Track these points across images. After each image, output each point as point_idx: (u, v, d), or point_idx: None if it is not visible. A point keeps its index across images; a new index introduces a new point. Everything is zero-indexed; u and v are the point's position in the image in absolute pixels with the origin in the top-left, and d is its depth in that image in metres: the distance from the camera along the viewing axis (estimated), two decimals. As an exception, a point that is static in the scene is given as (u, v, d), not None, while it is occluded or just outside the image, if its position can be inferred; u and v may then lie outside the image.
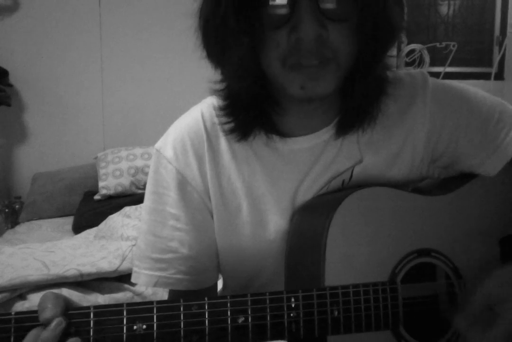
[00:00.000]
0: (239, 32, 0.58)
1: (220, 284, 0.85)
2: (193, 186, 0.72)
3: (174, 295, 0.77)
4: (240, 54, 0.60)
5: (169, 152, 0.72)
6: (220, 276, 0.82)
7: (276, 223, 0.72)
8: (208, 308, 0.55)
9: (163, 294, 1.59)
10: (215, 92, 0.69)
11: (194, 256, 0.72)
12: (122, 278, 1.58)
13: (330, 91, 0.61)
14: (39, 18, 2.77)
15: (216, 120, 0.72)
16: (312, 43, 0.57)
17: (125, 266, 1.55)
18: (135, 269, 0.74)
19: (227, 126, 0.69)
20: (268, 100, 0.67)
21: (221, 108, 0.69)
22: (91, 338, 0.52)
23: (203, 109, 0.74)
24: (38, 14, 2.76)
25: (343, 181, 0.71)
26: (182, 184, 0.72)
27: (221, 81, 0.68)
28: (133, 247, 1.65)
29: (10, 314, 0.51)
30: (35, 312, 0.52)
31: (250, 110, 0.67)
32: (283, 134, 0.70)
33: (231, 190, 0.72)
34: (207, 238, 0.73)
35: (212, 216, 0.73)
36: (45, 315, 0.51)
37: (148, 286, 0.73)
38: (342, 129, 0.69)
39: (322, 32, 0.57)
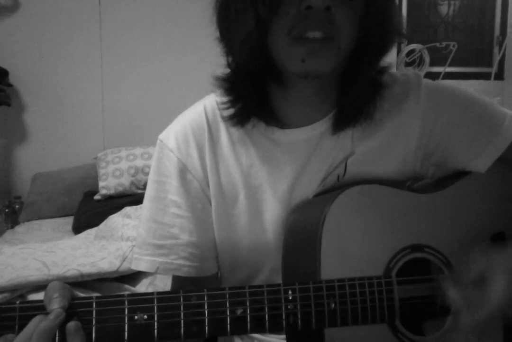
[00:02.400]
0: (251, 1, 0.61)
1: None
2: (193, 174, 0.74)
3: (177, 281, 0.79)
4: (249, 23, 0.62)
5: (171, 142, 0.75)
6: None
7: (272, 213, 0.73)
8: (207, 299, 0.57)
9: (163, 294, 1.59)
10: (218, 79, 0.72)
11: (194, 243, 0.74)
12: (122, 279, 1.58)
13: (328, 70, 0.63)
14: (39, 18, 2.77)
15: (218, 113, 0.75)
16: (320, 12, 0.59)
17: (125, 266, 1.55)
18: (135, 256, 0.76)
19: (228, 111, 0.72)
20: (270, 79, 0.69)
21: (224, 94, 0.72)
22: (93, 328, 0.53)
23: (206, 104, 0.77)
24: (38, 14, 2.76)
25: (338, 176, 0.73)
26: (183, 172, 0.74)
27: (226, 62, 0.70)
28: (134, 247, 1.65)
29: (15, 303, 0.52)
30: (40, 301, 0.53)
31: (252, 94, 0.69)
32: (282, 124, 0.73)
33: (229, 180, 0.74)
34: (207, 226, 0.75)
35: (211, 205, 0.75)
36: (53, 305, 0.52)
37: (150, 271, 0.75)
38: (339, 125, 0.71)
39: (331, 5, 0.59)
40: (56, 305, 0.52)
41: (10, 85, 2.74)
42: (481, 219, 0.74)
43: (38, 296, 1.45)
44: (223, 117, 0.73)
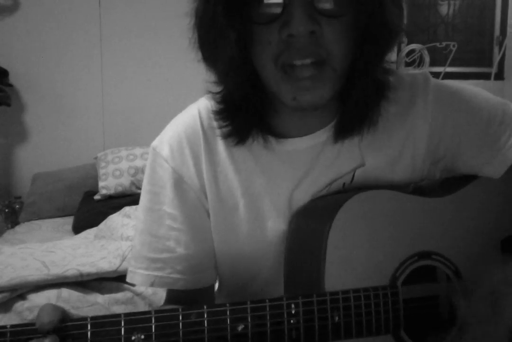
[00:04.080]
0: (228, 29, 0.58)
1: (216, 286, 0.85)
2: (189, 184, 0.71)
3: (172, 294, 0.77)
4: (230, 53, 0.59)
5: (165, 151, 0.72)
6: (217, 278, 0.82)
7: (273, 222, 0.71)
8: (207, 316, 0.55)
9: (163, 294, 1.58)
10: (211, 95, 0.69)
11: (191, 255, 0.72)
12: (122, 278, 1.58)
13: (326, 100, 0.60)
14: (39, 18, 2.77)
15: (213, 119, 0.71)
16: (304, 39, 0.56)
17: (125, 266, 1.55)
18: (130, 268, 0.74)
19: (224, 130, 0.69)
20: (262, 101, 0.66)
21: (218, 112, 0.69)
22: None
23: (200, 107, 0.74)
24: (38, 14, 2.76)
25: (344, 183, 0.71)
26: (179, 182, 0.71)
27: (217, 84, 0.67)
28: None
29: (5, 327, 0.50)
30: (32, 324, 0.51)
31: (245, 112, 0.66)
32: (279, 135, 0.70)
33: (228, 188, 0.71)
34: (204, 237, 0.73)
35: (209, 215, 0.73)
36: (43, 329, 0.50)
37: (145, 285, 0.73)
38: (340, 134, 0.68)
39: (315, 29, 0.56)
40: (45, 328, 0.50)
41: (10, 85, 2.74)
42: (490, 224, 0.71)
43: (38, 296, 1.46)
44: (221, 136, 0.70)
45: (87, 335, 0.52)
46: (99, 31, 2.84)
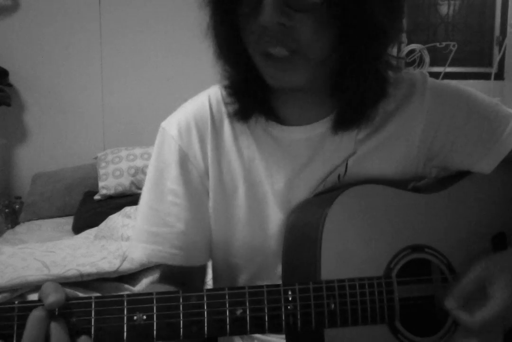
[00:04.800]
0: (222, 16, 0.63)
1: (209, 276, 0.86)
2: (193, 164, 0.74)
3: (167, 270, 0.79)
4: (226, 42, 0.64)
5: (173, 130, 0.75)
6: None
7: (271, 209, 0.73)
8: (206, 299, 0.56)
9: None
10: (221, 76, 0.72)
11: (189, 232, 0.74)
12: (122, 278, 1.58)
13: (301, 83, 0.63)
14: (39, 18, 2.77)
15: (222, 105, 0.75)
16: (273, 30, 0.59)
17: (125, 266, 1.55)
18: (131, 242, 0.76)
19: (230, 108, 0.72)
20: (262, 86, 0.69)
21: (226, 88, 0.72)
22: (92, 328, 0.53)
23: (211, 94, 0.77)
24: (38, 14, 2.76)
25: (339, 175, 0.73)
26: (184, 161, 0.74)
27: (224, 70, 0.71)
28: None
29: (13, 302, 0.52)
30: (39, 301, 0.53)
31: (248, 95, 0.70)
32: (281, 121, 0.72)
33: (230, 173, 0.74)
34: (203, 216, 0.75)
35: (209, 197, 0.75)
36: (49, 300, 0.51)
37: (143, 258, 0.75)
38: (338, 126, 0.70)
39: (284, 21, 0.58)
40: (51, 298, 0.51)
41: (10, 85, 2.74)
42: (482, 219, 0.73)
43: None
44: (228, 113, 0.74)
45: (91, 313, 0.53)
46: (99, 31, 2.84)
